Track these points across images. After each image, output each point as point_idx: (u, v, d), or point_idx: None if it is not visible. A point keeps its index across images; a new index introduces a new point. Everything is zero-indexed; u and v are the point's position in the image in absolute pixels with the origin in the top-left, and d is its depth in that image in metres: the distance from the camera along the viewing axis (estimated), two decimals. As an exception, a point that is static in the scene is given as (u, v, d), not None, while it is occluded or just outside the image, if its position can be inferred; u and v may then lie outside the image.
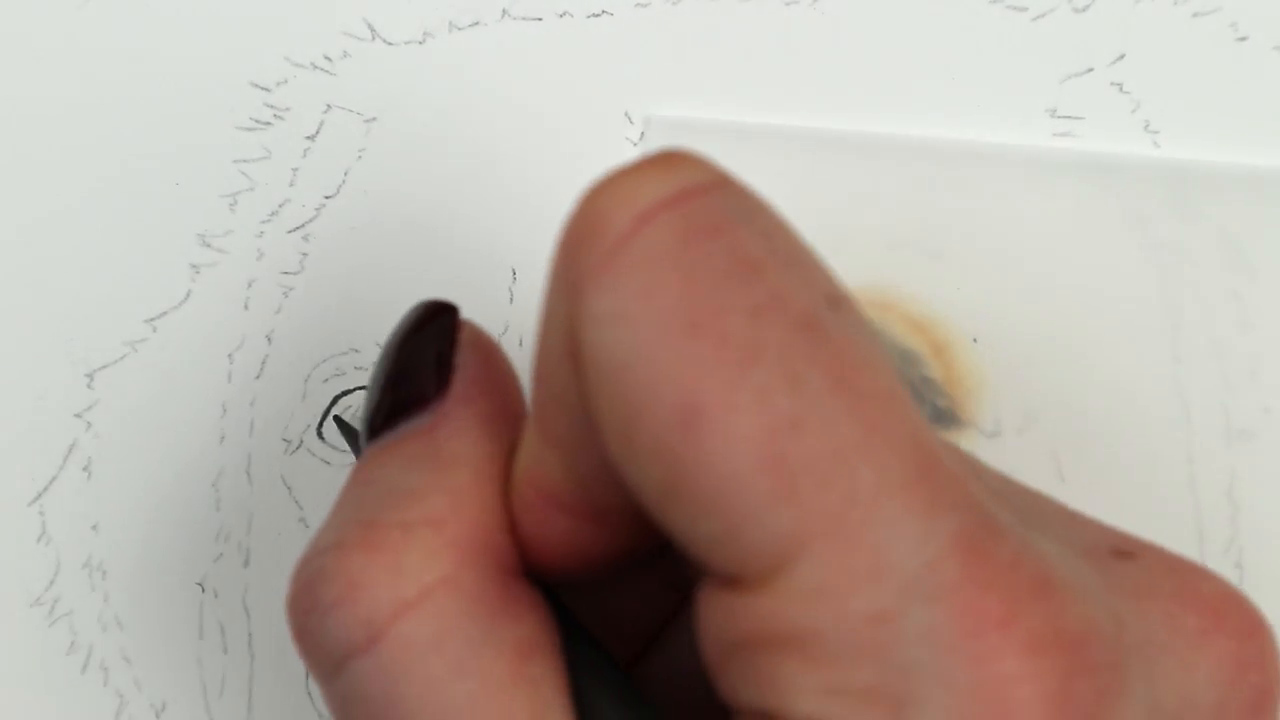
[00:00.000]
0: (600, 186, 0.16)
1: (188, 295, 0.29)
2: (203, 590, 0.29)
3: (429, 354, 0.19)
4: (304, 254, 0.29)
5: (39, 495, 0.29)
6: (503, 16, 0.29)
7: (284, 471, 0.29)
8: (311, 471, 0.29)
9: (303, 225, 0.29)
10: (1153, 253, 0.29)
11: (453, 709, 0.16)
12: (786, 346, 0.15)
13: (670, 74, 0.29)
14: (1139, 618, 0.16)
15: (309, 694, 0.29)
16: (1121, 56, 0.30)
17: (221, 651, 0.29)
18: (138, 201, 0.29)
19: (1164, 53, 0.30)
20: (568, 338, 0.16)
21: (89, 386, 0.29)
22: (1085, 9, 0.29)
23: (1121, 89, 0.30)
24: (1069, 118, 0.29)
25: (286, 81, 0.29)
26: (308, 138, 0.29)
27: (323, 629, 0.17)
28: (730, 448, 0.14)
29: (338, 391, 0.29)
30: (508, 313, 0.29)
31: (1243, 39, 0.30)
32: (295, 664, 0.29)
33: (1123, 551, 0.17)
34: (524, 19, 0.29)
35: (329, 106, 0.29)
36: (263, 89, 0.29)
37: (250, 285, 0.29)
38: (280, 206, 0.29)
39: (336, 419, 0.26)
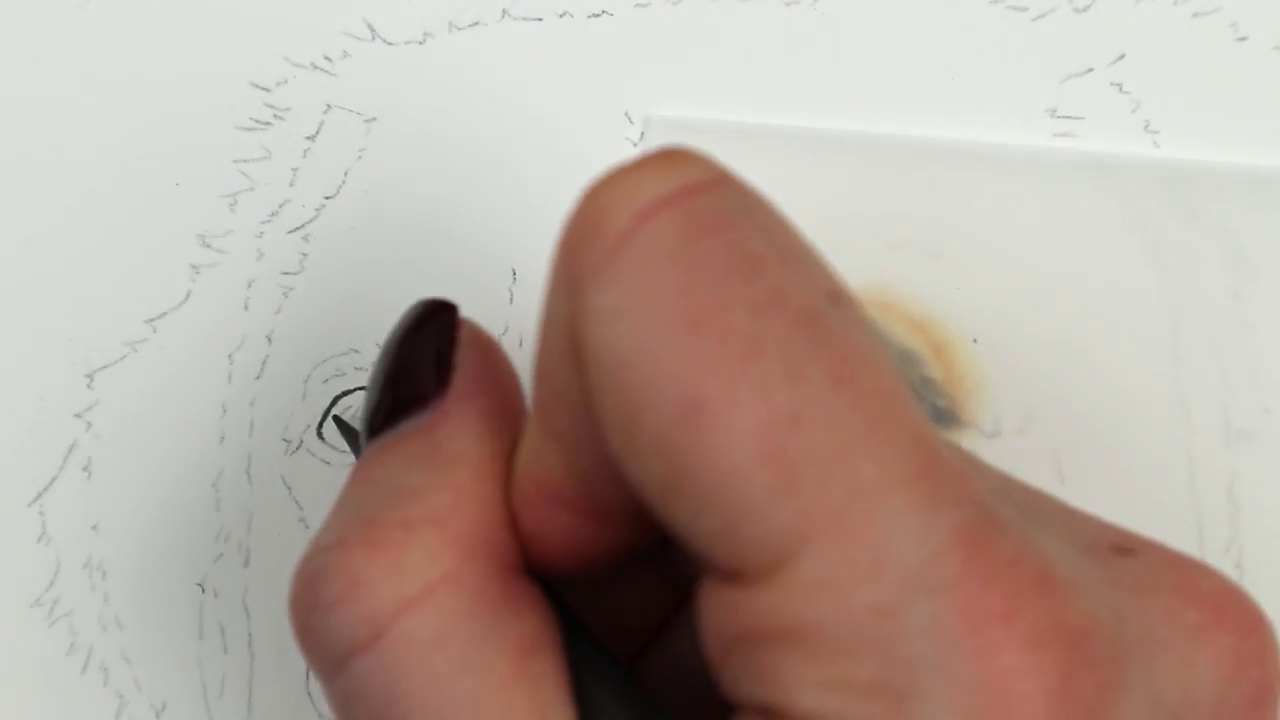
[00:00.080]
0: (601, 183, 0.16)
1: (188, 296, 0.29)
2: (203, 590, 0.29)
3: (429, 352, 0.19)
4: (304, 254, 0.29)
5: (39, 495, 0.29)
6: (503, 16, 0.29)
7: (284, 472, 0.29)
8: (311, 472, 0.29)
9: (303, 225, 0.29)
10: (1153, 253, 0.29)
11: (455, 706, 0.16)
12: (787, 342, 0.15)
13: (670, 74, 0.29)
14: (1139, 613, 0.16)
15: (309, 694, 0.29)
16: (1121, 56, 0.30)
17: (222, 652, 0.29)
18: (138, 202, 0.29)
19: (1164, 53, 0.30)
20: (569, 334, 0.16)
21: (89, 387, 0.29)
22: (1085, 9, 0.30)
23: (1121, 89, 0.30)
24: (1069, 118, 0.29)
25: (286, 81, 0.29)
26: (308, 138, 0.29)
27: (325, 627, 0.17)
28: (731, 442, 0.14)
29: (338, 392, 0.29)
30: (508, 313, 0.29)
31: (1243, 39, 0.30)
32: (295, 664, 0.29)
33: (1123, 548, 0.17)
34: (524, 19, 0.29)
35: (329, 107, 0.29)
36: (263, 89, 0.29)
37: (250, 285, 0.29)
38: (280, 207, 0.29)
39: (336, 419, 0.26)
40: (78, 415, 0.29)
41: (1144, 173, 0.29)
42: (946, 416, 0.28)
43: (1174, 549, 0.18)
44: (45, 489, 0.29)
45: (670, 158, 0.16)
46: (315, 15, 0.29)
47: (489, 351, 0.20)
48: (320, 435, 0.29)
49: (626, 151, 0.29)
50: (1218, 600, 0.17)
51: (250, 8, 0.29)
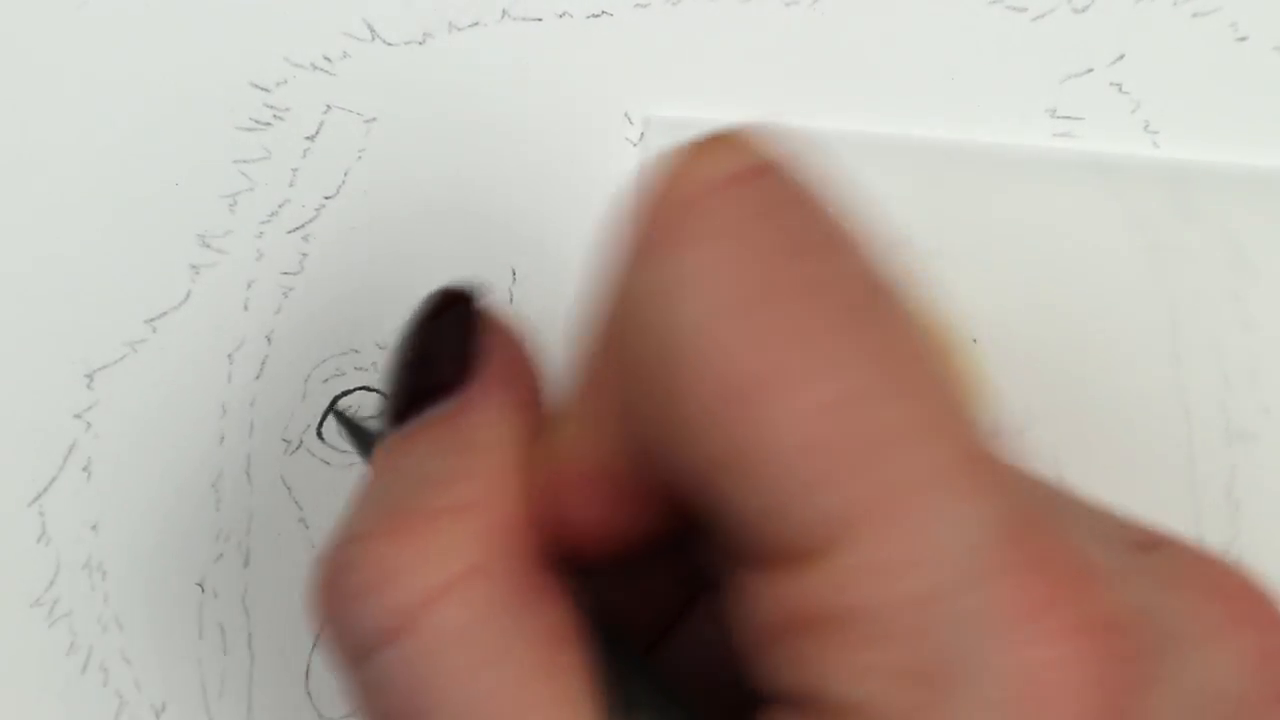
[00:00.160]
0: (670, 159, 0.16)
1: (187, 296, 0.29)
2: (202, 590, 0.29)
3: (451, 339, 0.19)
4: (304, 254, 0.29)
5: (39, 496, 0.29)
6: (502, 17, 0.29)
7: (284, 472, 0.29)
8: (311, 472, 0.29)
9: (302, 226, 0.29)
10: (1153, 253, 0.29)
11: (481, 698, 0.16)
12: (844, 328, 0.15)
13: (670, 74, 0.29)
14: (1164, 609, 0.16)
15: (308, 694, 0.29)
16: (1121, 57, 0.30)
17: (221, 652, 0.29)
18: (138, 202, 0.29)
19: (1164, 53, 0.30)
20: (626, 308, 0.16)
21: (89, 387, 0.29)
22: (1085, 9, 0.30)
23: (1121, 89, 0.30)
24: (1069, 118, 0.29)
25: (286, 82, 0.29)
26: (307, 138, 0.29)
27: (352, 617, 0.16)
28: (784, 423, 0.14)
29: (337, 392, 0.29)
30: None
31: (1243, 39, 0.30)
32: (295, 664, 0.29)
33: (1147, 544, 0.17)
34: (524, 19, 0.29)
35: (329, 107, 0.29)
36: (262, 89, 0.29)
37: (250, 286, 0.29)
38: (280, 207, 0.29)
39: (338, 414, 0.26)
40: (78, 415, 0.29)
41: (1144, 173, 0.29)
42: (946, 417, 0.28)
43: (1196, 545, 0.18)
44: (45, 489, 0.29)
45: (735, 138, 0.16)
46: (315, 16, 0.29)
47: (512, 338, 0.19)
48: (320, 435, 0.29)
49: (626, 152, 0.29)
50: (1241, 596, 0.17)
51: (250, 8, 0.29)
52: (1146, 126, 0.29)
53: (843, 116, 0.29)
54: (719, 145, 0.16)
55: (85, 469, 0.29)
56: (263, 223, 0.29)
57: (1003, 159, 0.29)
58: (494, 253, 0.29)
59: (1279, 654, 0.16)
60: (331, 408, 0.29)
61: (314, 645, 0.29)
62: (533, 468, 0.18)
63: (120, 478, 0.29)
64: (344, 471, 0.29)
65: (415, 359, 0.19)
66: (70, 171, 0.29)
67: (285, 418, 0.29)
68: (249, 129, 0.29)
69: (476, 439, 0.18)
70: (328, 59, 0.29)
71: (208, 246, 0.29)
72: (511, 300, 0.29)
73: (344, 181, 0.29)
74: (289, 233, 0.29)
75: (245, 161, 0.29)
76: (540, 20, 0.29)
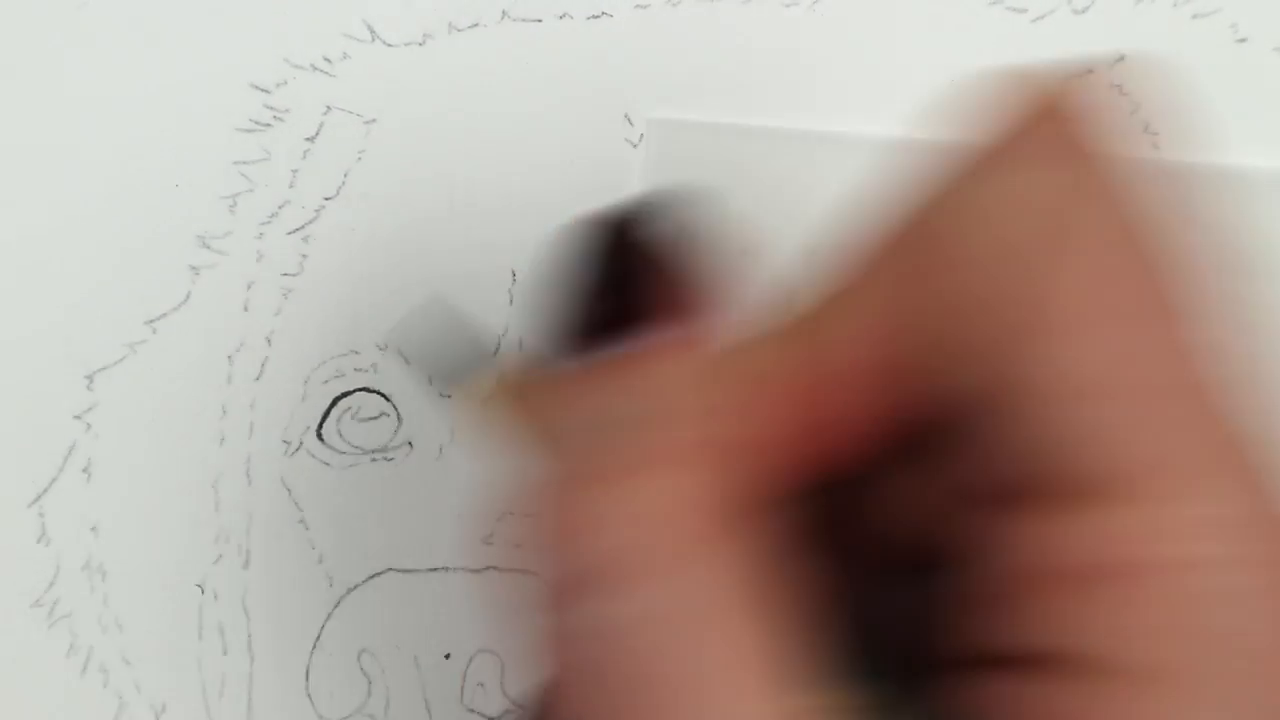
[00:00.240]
0: (1049, 76, 0.16)
1: (187, 297, 0.29)
2: (202, 592, 0.29)
3: (644, 265, 0.18)
4: (304, 255, 0.29)
5: (39, 497, 0.29)
6: (502, 18, 0.29)
7: (284, 473, 0.29)
8: (311, 473, 0.29)
9: (302, 227, 0.29)
10: (1153, 254, 0.29)
11: (694, 658, 0.15)
12: (1158, 279, 0.15)
13: (671, 76, 0.29)
14: None
15: (308, 695, 0.29)
16: (1121, 58, 0.30)
17: (221, 653, 0.29)
18: (137, 203, 0.29)
19: (1164, 55, 0.29)
20: (957, 206, 0.16)
21: (89, 388, 0.29)
22: (1085, 11, 0.29)
23: (1121, 90, 0.30)
24: (1069, 119, 0.29)
25: (286, 83, 0.29)
26: (307, 139, 0.29)
27: (573, 557, 0.16)
28: (1115, 360, 0.15)
29: (337, 393, 0.29)
30: (508, 314, 0.29)
31: (1243, 40, 0.30)
32: (295, 665, 0.29)
33: None
34: (524, 20, 0.29)
35: (329, 108, 0.29)
36: (262, 90, 0.29)
37: (250, 287, 0.29)
38: (280, 208, 0.29)
39: (412, 332, 0.23)
40: (77, 416, 0.29)
41: (1144, 174, 0.29)
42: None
43: None
44: (45, 490, 0.29)
45: (1076, 79, 0.17)
46: (315, 16, 0.29)
47: (699, 264, 0.18)
48: (320, 436, 0.29)
49: (626, 154, 0.29)
50: None
51: (250, 9, 0.29)
52: (1146, 128, 0.29)
53: (842, 118, 0.29)
54: (1074, 77, 0.16)
55: (85, 470, 0.29)
56: (263, 224, 0.29)
57: (1003, 160, 0.29)
58: (494, 254, 0.29)
59: None
60: (331, 409, 0.29)
61: (314, 646, 0.29)
62: (769, 373, 0.17)
63: (120, 479, 0.29)
64: (344, 472, 0.29)
65: (600, 286, 0.17)
66: (70, 173, 0.29)
67: (285, 419, 0.29)
68: (249, 130, 0.29)
69: (692, 376, 0.17)
70: (328, 60, 0.29)
71: (207, 248, 0.29)
72: (511, 302, 0.29)
73: (344, 182, 0.29)
74: (289, 234, 0.29)
75: (245, 163, 0.29)
76: (540, 21, 0.29)
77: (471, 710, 0.28)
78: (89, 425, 0.29)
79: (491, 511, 0.29)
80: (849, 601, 0.18)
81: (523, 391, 0.19)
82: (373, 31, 0.29)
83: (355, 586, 0.29)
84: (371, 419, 0.29)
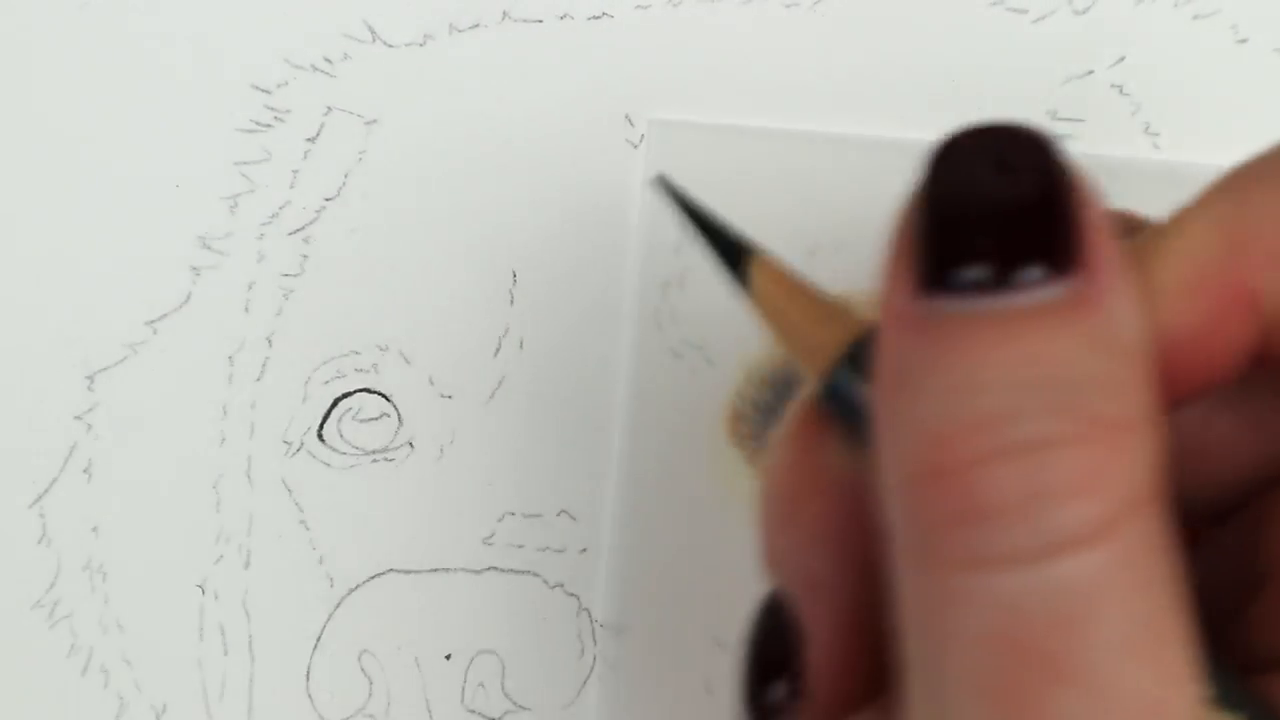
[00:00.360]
0: None
1: (188, 297, 0.29)
2: (203, 592, 0.29)
3: (1048, 197, 0.15)
4: (304, 256, 0.29)
5: (39, 497, 0.29)
6: (503, 18, 0.29)
7: (284, 474, 0.29)
8: (312, 474, 0.29)
9: (303, 227, 0.29)
10: (1153, 255, 0.29)
11: (1120, 637, 0.14)
12: None
13: (671, 76, 0.29)
14: None
15: (309, 695, 0.29)
16: (1122, 59, 0.30)
17: (222, 653, 0.29)
18: (138, 204, 0.29)
19: (1165, 55, 0.29)
20: None
21: (89, 389, 0.29)
22: (1085, 11, 0.29)
23: (1122, 91, 0.30)
24: (1069, 120, 0.29)
25: (287, 83, 0.29)
26: (308, 140, 0.29)
27: (1043, 516, 0.14)
28: None
29: (338, 394, 0.29)
30: (508, 314, 0.29)
31: (1243, 41, 0.30)
32: (295, 665, 0.29)
33: None
34: (524, 21, 0.29)
35: (329, 109, 0.29)
36: (263, 91, 0.29)
37: (250, 288, 0.29)
38: (281, 209, 0.29)
39: (688, 209, 0.20)
40: (78, 417, 0.29)
41: (1145, 175, 0.29)
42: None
43: None
44: (45, 491, 0.29)
45: None
46: (316, 17, 0.29)
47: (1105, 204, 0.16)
48: (320, 437, 0.29)
49: (628, 154, 0.29)
50: None
51: (250, 9, 0.29)
52: (1147, 129, 0.29)
53: (844, 119, 0.29)
54: None
55: (86, 470, 0.29)
56: (263, 224, 0.29)
57: (1003, 161, 0.29)
58: (494, 254, 0.29)
59: None
60: (332, 410, 0.29)
61: (314, 646, 0.29)
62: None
63: (121, 479, 0.29)
64: (344, 473, 0.29)
65: (1024, 208, 0.15)
66: (71, 173, 0.29)
67: (286, 419, 0.29)
68: (250, 131, 0.29)
69: (1124, 339, 0.15)
70: (328, 60, 0.29)
71: (208, 248, 0.29)
72: (512, 302, 0.29)
73: (344, 183, 0.29)
74: (289, 234, 0.29)
75: (246, 163, 0.29)
76: (541, 22, 0.29)
77: (472, 710, 0.28)
78: (89, 425, 0.29)
79: (492, 512, 0.29)
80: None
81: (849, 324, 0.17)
82: (373, 31, 0.29)
83: (355, 586, 0.29)
84: (372, 420, 0.29)
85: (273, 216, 0.29)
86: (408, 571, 0.29)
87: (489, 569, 0.29)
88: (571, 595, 0.28)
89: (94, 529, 0.29)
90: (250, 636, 0.29)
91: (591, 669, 0.28)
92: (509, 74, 0.29)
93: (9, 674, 0.28)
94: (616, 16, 0.29)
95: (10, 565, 0.29)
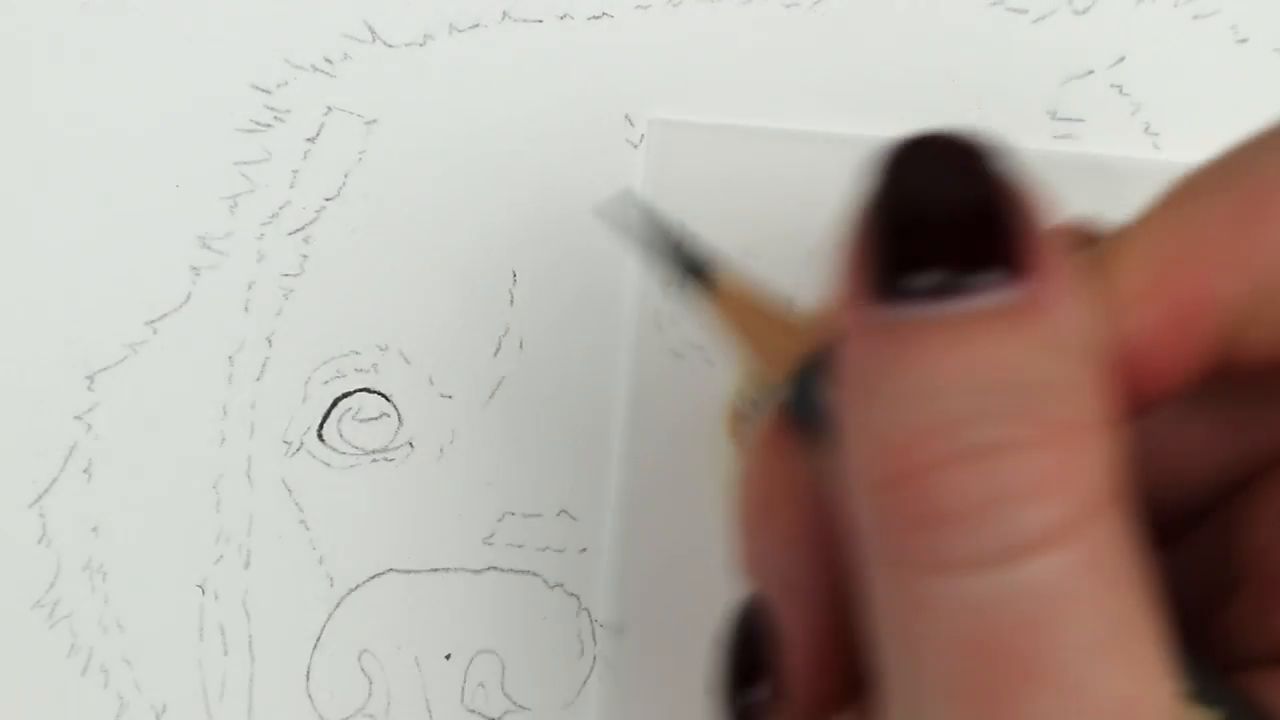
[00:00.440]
0: None
1: (188, 297, 0.29)
2: (203, 592, 0.29)
3: (998, 202, 0.15)
4: (304, 256, 0.29)
5: (39, 497, 0.29)
6: (503, 18, 0.29)
7: (284, 473, 0.29)
8: (312, 474, 0.29)
9: (303, 227, 0.29)
10: (1153, 255, 0.29)
11: (1079, 650, 0.14)
12: None
13: (671, 76, 0.29)
14: None
15: (309, 695, 0.29)
16: (1122, 59, 0.30)
17: (222, 653, 0.29)
18: (138, 203, 0.29)
19: (1164, 55, 0.29)
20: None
21: (89, 388, 0.29)
22: (1085, 11, 0.29)
23: (1122, 91, 0.30)
24: (1069, 120, 0.29)
25: (287, 83, 0.29)
26: (308, 140, 0.29)
27: (1002, 519, 0.14)
28: None
29: (338, 393, 0.29)
30: (508, 315, 0.29)
31: (1243, 41, 0.30)
32: (295, 666, 0.29)
33: None
34: (524, 21, 0.29)
35: (329, 108, 0.29)
36: (263, 91, 0.29)
37: (250, 287, 0.29)
38: (280, 209, 0.29)
39: (659, 233, 0.20)
40: (78, 417, 0.29)
41: (1145, 175, 0.29)
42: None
43: None
44: (45, 491, 0.29)
45: None
46: (315, 17, 0.29)
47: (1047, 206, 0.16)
48: (320, 437, 0.29)
49: (627, 154, 0.29)
50: None
51: (250, 9, 0.29)
52: (1147, 129, 0.29)
53: (844, 119, 0.29)
54: None
55: (86, 470, 0.29)
56: (263, 224, 0.29)
57: (1003, 161, 0.29)
58: (494, 254, 0.29)
59: None
60: (332, 410, 0.29)
61: (314, 646, 0.29)
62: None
63: (121, 479, 0.29)
64: (344, 473, 0.29)
65: (975, 214, 0.15)
66: (71, 173, 0.29)
67: (286, 419, 0.29)
68: (250, 130, 0.29)
69: (1076, 341, 0.15)
70: (328, 60, 0.29)
71: (208, 248, 0.29)
72: (512, 302, 0.29)
73: (344, 183, 0.29)
74: (289, 234, 0.29)
75: (246, 163, 0.29)
76: (541, 22, 0.29)
77: (472, 710, 0.28)
78: (89, 425, 0.29)
79: (492, 512, 0.29)
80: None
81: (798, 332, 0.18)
82: (373, 32, 0.29)
83: (355, 586, 0.29)
84: (372, 419, 0.29)
85: (273, 216, 0.29)
86: (407, 571, 0.29)
87: (489, 569, 0.29)
88: (571, 595, 0.28)
89: (94, 529, 0.29)
90: (250, 636, 0.29)
91: (591, 669, 0.28)
92: (509, 74, 0.29)
93: (9, 674, 0.28)
94: (616, 16, 0.29)
95: (10, 565, 0.29)
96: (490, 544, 0.29)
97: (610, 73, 0.29)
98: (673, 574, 0.28)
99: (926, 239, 0.15)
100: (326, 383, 0.29)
